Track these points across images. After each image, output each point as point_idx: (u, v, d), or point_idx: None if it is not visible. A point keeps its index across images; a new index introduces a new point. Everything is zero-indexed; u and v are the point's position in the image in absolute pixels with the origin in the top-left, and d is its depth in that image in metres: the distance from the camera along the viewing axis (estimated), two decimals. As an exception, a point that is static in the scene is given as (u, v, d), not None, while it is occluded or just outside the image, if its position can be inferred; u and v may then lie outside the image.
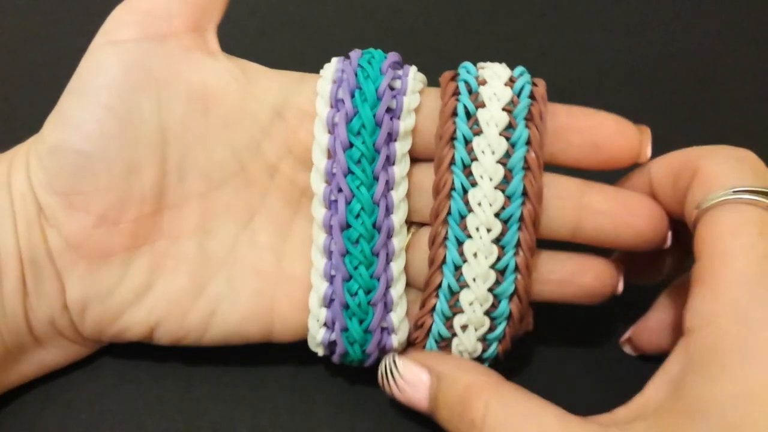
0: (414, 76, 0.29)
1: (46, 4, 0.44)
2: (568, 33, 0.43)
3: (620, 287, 0.30)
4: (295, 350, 0.31)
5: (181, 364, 0.32)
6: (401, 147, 0.29)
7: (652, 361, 0.32)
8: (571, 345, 0.33)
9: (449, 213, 0.28)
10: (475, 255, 0.28)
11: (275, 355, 0.32)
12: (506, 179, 0.28)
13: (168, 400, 0.31)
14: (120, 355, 0.32)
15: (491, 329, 0.29)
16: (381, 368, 0.29)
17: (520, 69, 0.29)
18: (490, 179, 0.28)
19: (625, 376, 0.33)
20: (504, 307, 0.28)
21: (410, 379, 0.28)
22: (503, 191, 0.28)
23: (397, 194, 0.29)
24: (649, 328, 0.32)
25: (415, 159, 0.30)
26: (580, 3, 0.44)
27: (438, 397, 0.27)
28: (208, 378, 0.32)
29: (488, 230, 0.28)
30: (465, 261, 0.28)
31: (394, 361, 0.29)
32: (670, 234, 0.29)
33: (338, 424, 0.31)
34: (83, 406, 0.31)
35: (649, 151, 0.29)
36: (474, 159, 0.28)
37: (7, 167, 0.29)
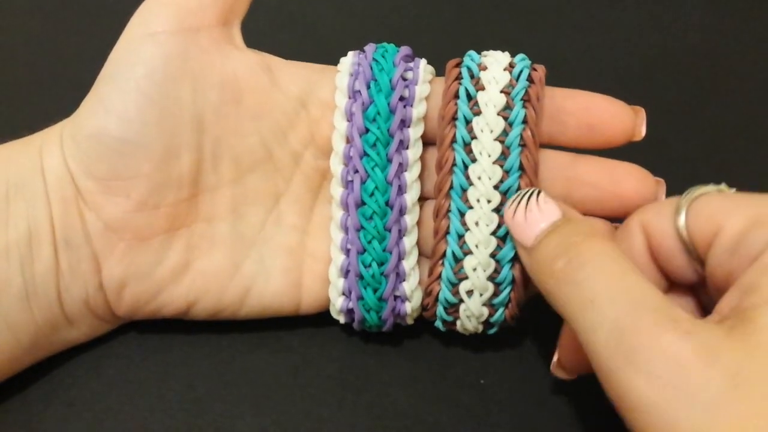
0: (424, 68, 0.32)
1: (46, 4, 0.45)
2: (568, 33, 0.44)
3: None
4: (296, 349, 0.33)
5: (183, 363, 0.33)
6: (414, 132, 0.32)
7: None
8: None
9: (451, 187, 0.31)
10: (476, 224, 0.30)
11: (276, 354, 0.33)
12: (504, 155, 0.30)
13: (170, 399, 0.32)
14: (122, 355, 0.33)
15: (496, 294, 0.31)
16: (521, 192, 0.29)
17: (520, 56, 0.32)
18: (489, 155, 0.30)
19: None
20: (506, 272, 0.30)
21: (545, 208, 0.28)
22: (501, 166, 0.30)
23: (410, 175, 0.32)
24: (570, 349, 0.30)
25: (425, 143, 0.32)
26: (580, 3, 0.46)
27: (554, 232, 0.27)
28: (209, 377, 0.32)
29: (488, 201, 0.30)
30: (467, 229, 0.30)
31: (539, 192, 0.29)
32: (662, 198, 0.31)
33: (339, 423, 0.32)
34: (85, 405, 0.31)
35: (643, 131, 0.31)
36: (474, 137, 0.30)
37: (38, 151, 0.30)
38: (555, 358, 0.31)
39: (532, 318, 0.34)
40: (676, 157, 0.39)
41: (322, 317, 0.33)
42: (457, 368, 0.33)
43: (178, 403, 0.32)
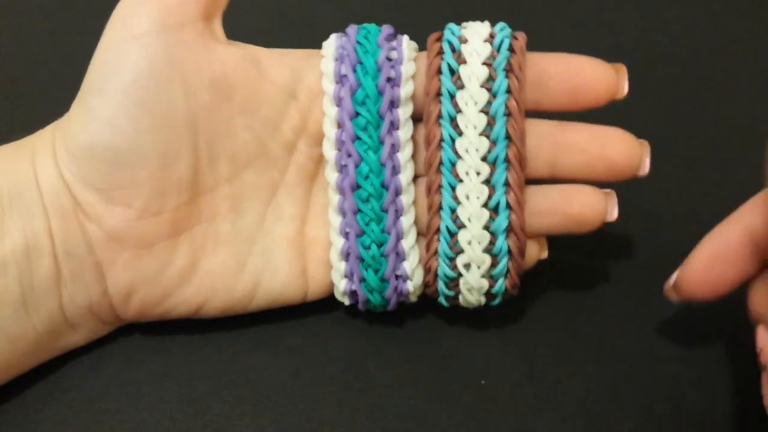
0: (407, 45, 0.32)
1: (46, 4, 0.45)
2: (568, 33, 0.44)
3: (613, 214, 0.31)
4: (297, 349, 0.33)
5: (182, 363, 0.33)
6: (404, 112, 0.32)
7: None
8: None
9: (441, 162, 0.31)
10: (467, 197, 0.30)
11: (277, 355, 0.33)
12: (490, 125, 0.30)
13: (169, 399, 0.32)
14: (121, 355, 0.33)
15: (493, 265, 0.31)
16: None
17: (500, 25, 0.32)
18: (475, 127, 0.30)
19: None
20: (501, 242, 0.31)
21: None
22: (488, 137, 0.30)
23: (403, 155, 0.32)
24: (701, 268, 0.29)
25: (415, 119, 0.32)
26: (580, 3, 0.45)
27: None
28: (208, 377, 0.32)
29: (477, 173, 0.30)
30: (459, 203, 0.31)
31: None
32: (647, 161, 0.31)
33: (338, 423, 0.32)
34: (84, 405, 0.31)
35: (625, 89, 0.31)
36: (459, 111, 0.31)
37: (30, 160, 0.30)
38: (672, 279, 0.30)
39: (532, 318, 0.34)
40: (676, 157, 0.39)
41: (321, 319, 0.34)
42: (458, 369, 0.33)
43: (177, 403, 0.32)
